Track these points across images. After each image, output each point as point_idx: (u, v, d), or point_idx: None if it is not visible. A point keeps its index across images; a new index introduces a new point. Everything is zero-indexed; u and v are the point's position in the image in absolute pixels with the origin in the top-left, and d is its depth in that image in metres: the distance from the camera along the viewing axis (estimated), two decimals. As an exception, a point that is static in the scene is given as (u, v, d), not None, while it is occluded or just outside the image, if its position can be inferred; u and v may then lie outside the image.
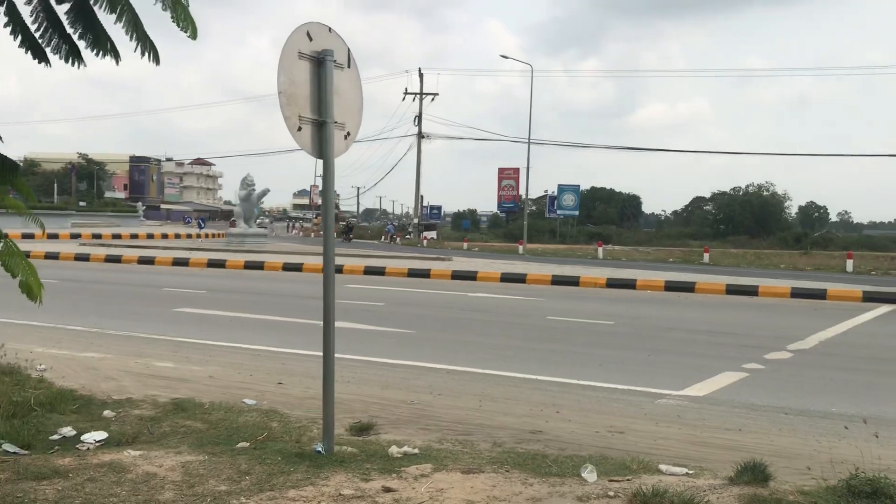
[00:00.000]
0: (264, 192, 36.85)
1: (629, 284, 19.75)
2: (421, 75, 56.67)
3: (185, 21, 3.60)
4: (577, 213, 66.01)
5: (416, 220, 60.12)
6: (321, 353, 5.33)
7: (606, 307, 15.16)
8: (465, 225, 79.48)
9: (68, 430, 5.55)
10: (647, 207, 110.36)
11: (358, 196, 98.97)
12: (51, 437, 5.42)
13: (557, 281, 20.51)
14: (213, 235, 49.77)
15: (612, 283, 19.90)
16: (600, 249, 37.11)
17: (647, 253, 41.72)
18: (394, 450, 5.17)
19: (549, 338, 11.27)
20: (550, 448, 5.59)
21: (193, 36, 3.67)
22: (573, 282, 20.37)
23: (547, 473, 4.75)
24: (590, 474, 4.64)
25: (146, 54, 3.66)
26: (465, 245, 45.79)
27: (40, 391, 6.43)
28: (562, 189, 64.64)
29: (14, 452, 5.05)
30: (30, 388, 6.54)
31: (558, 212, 65.11)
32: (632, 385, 8.03)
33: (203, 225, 60.08)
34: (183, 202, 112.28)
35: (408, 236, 58.21)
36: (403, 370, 8.60)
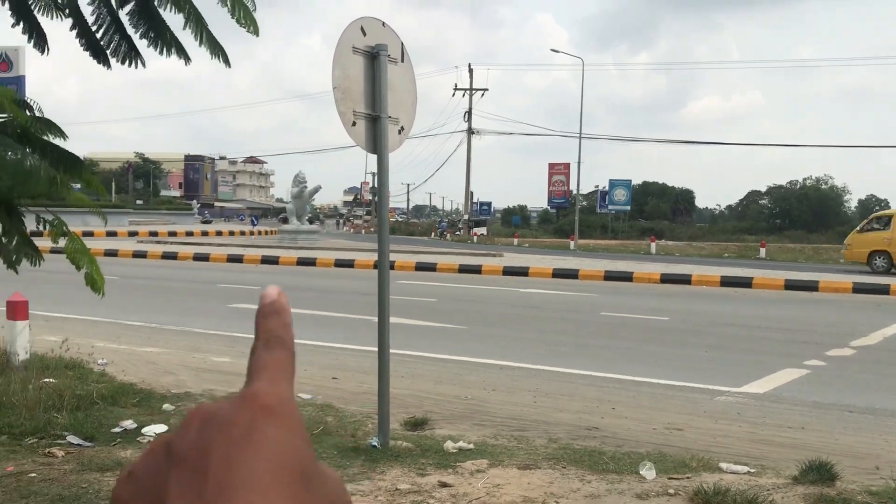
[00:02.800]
0: (316, 189, 37.12)
1: (684, 280, 19.43)
2: (471, 71, 56.62)
3: (246, 19, 3.67)
4: (628, 208, 65.13)
5: (466, 217, 60.09)
6: (374, 349, 5.34)
7: (661, 303, 14.93)
8: (516, 221, 79.02)
9: (129, 423, 5.66)
10: (701, 202, 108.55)
11: (408, 192, 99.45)
12: (113, 430, 5.54)
13: (610, 276, 20.27)
14: (266, 232, 50.45)
15: (667, 279, 19.60)
16: (653, 245, 36.60)
17: (702, 248, 41.06)
18: (449, 445, 5.16)
19: (603, 333, 11.14)
20: (607, 445, 5.52)
21: (256, 33, 3.76)
22: (626, 277, 20.12)
23: (604, 470, 4.68)
24: (648, 472, 4.56)
25: (216, 57, 3.75)
26: (516, 241, 45.60)
27: (102, 385, 6.57)
28: (613, 184, 63.90)
29: (78, 444, 5.17)
30: (92, 381, 6.69)
31: (609, 207, 64.34)
32: (689, 382, 7.89)
33: (256, 222, 60.96)
34: (236, 200, 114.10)
35: (458, 233, 58.18)
36: (456, 366, 8.58)
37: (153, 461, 0.38)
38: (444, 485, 4.31)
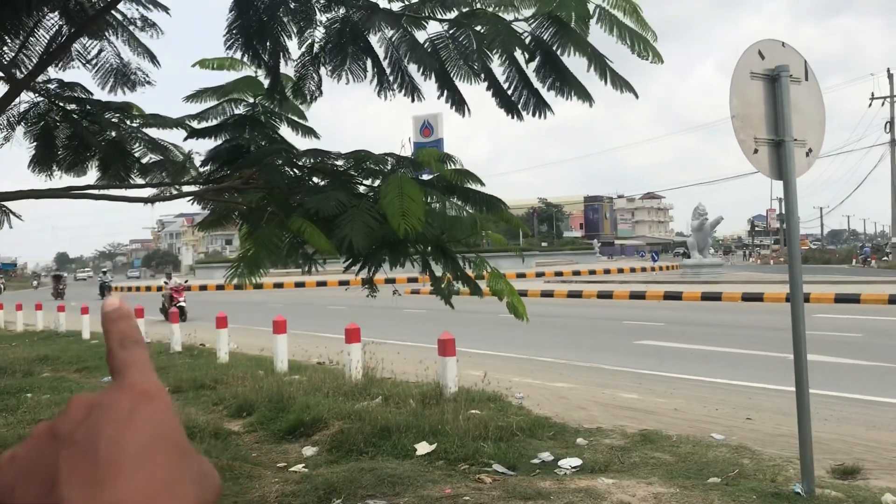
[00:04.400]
0: (717, 221, 35.82)
1: None
2: (890, 76, 50.42)
3: (647, 50, 3.82)
4: None
5: (894, 240, 53.24)
6: (790, 388, 5.01)
7: None
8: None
9: (546, 455, 5.97)
10: None
11: (821, 217, 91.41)
12: (532, 461, 5.89)
13: None
14: (667, 268, 49.93)
15: None
16: None
17: None
18: (888, 498, 4.59)
19: None
20: None
21: (660, 61, 3.88)
22: None
23: None
24: None
25: (623, 90, 3.95)
26: (962, 264, 39.11)
27: (520, 417, 7.02)
28: None
29: (503, 472, 5.60)
30: (511, 414, 7.19)
31: None
32: None
33: (656, 258, 60.69)
34: (635, 236, 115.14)
35: (885, 258, 51.85)
36: (892, 409, 7.60)
37: (37, 445, 0.43)
38: (884, 544, 3.83)
